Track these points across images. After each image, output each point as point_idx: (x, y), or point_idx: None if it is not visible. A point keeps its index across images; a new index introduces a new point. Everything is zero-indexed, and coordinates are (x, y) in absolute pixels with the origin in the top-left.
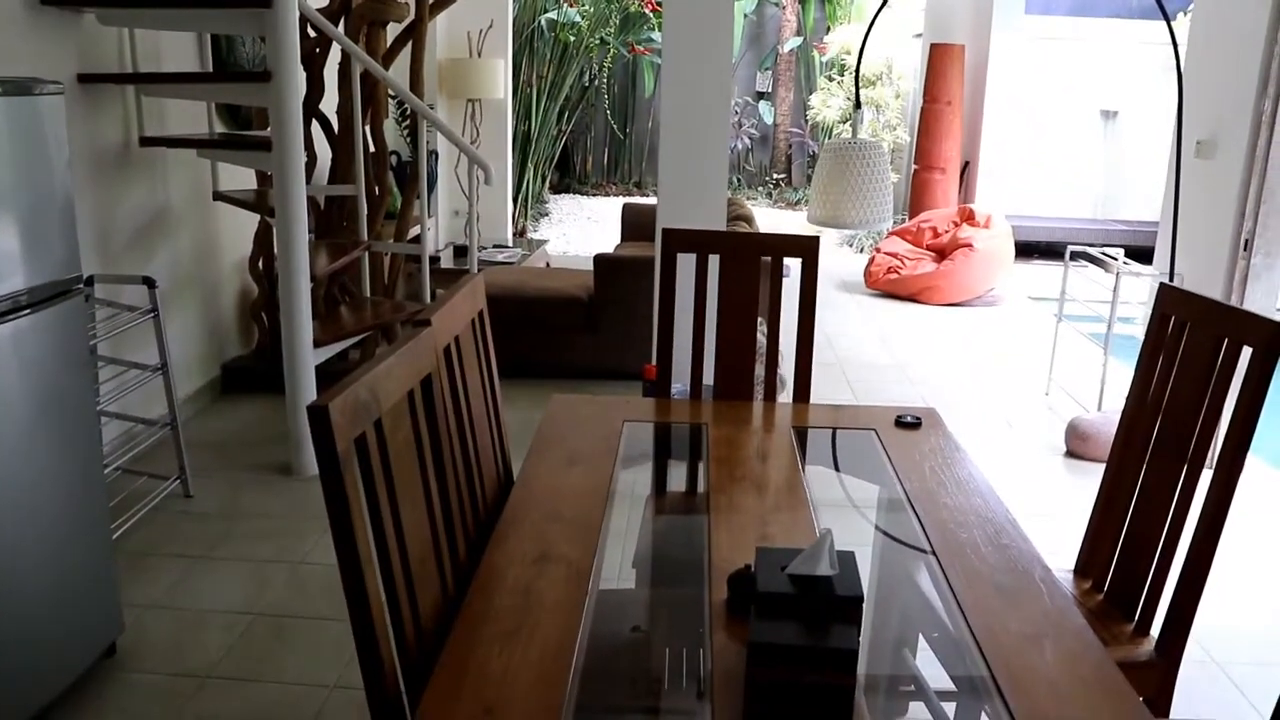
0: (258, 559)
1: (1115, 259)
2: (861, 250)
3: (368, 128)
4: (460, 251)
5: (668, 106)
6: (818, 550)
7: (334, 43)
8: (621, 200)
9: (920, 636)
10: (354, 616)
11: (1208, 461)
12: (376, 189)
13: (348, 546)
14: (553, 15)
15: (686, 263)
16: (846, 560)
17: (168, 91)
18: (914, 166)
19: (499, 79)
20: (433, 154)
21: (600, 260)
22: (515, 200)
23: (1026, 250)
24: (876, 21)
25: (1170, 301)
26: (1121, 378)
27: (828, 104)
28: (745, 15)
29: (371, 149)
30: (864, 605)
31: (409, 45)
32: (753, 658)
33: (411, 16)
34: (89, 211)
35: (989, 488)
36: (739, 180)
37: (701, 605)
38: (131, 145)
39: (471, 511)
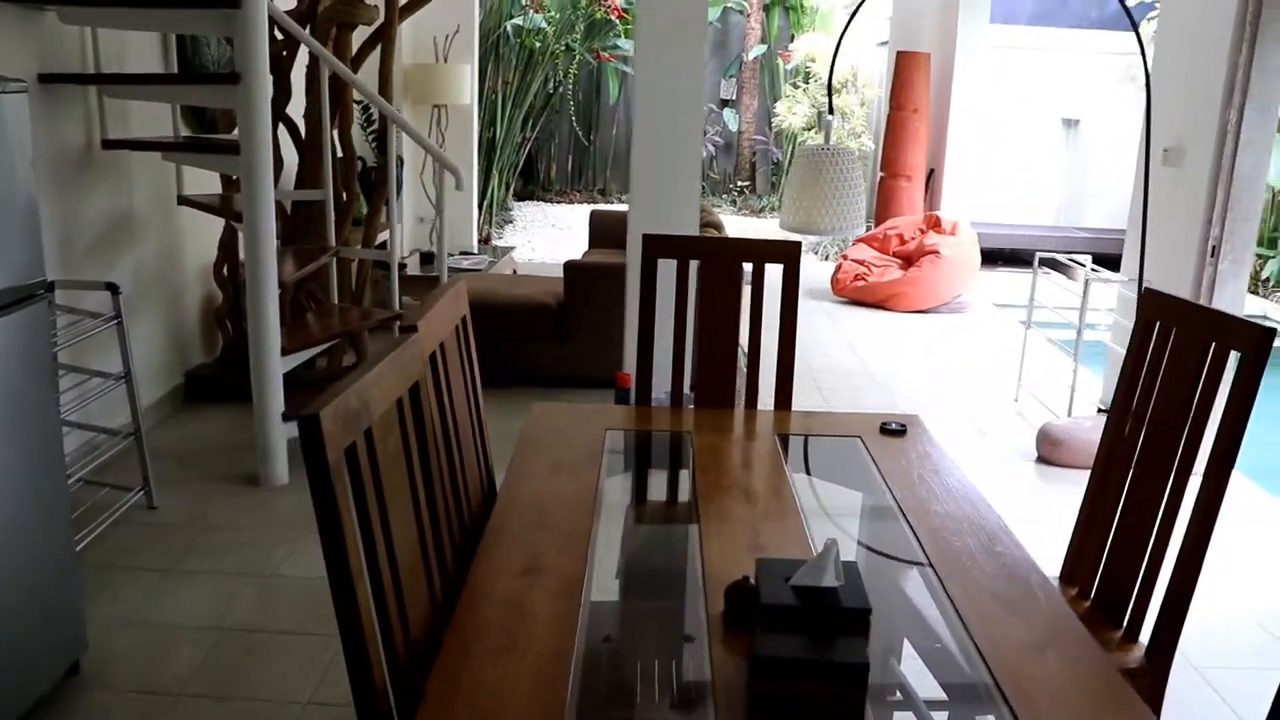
0: (225, 572)
1: (1083, 266)
2: (827, 258)
3: (335, 132)
4: (427, 258)
5: (640, 112)
6: (822, 561)
7: (301, 46)
8: (586, 208)
9: (908, 645)
10: (344, 630)
11: (1195, 468)
12: (344, 194)
13: (338, 559)
14: (519, 21)
15: (665, 269)
16: (851, 571)
17: (132, 93)
18: (880, 174)
19: (465, 85)
20: (398, 160)
21: (570, 267)
22: (480, 207)
23: (990, 258)
24: (848, 31)
25: (1154, 306)
26: (1089, 384)
27: (793, 110)
28: (710, 23)
29: (339, 154)
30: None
31: (376, 49)
32: (757, 671)
33: (381, 20)
34: (49, 216)
35: (979, 495)
36: (704, 188)
37: (697, 617)
38: (94, 147)
39: (458, 521)
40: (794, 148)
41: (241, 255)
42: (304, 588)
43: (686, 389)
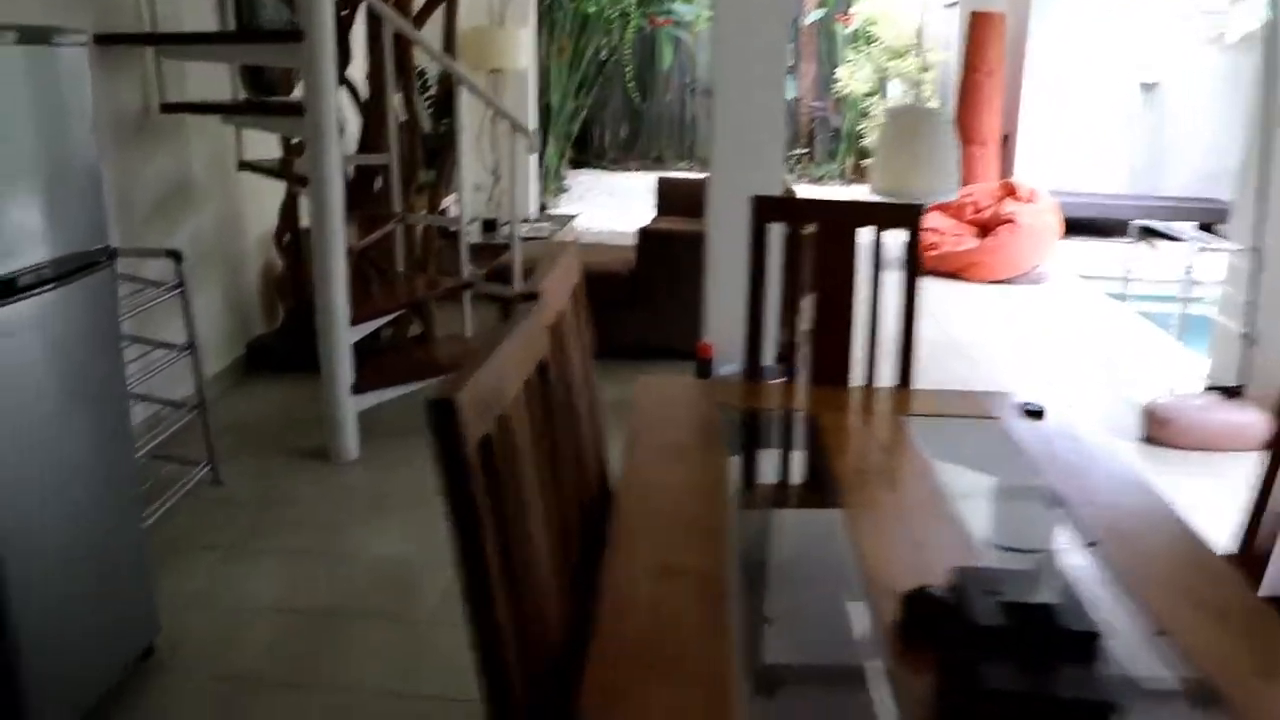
0: (296, 550)
1: (1186, 237)
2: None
3: (399, 95)
4: (488, 226)
5: (720, 71)
6: (1033, 573)
7: (361, 6)
8: (641, 175)
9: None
10: (480, 643)
11: None
12: (408, 160)
13: (476, 566)
14: None
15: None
16: (1067, 587)
17: (192, 54)
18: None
19: (523, 49)
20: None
21: (645, 234)
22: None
23: (1075, 227)
24: None
25: None
26: (1188, 361)
27: (855, 76)
28: None
29: (402, 118)
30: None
31: (437, 11)
32: (983, 707)
33: None
34: (108, 181)
35: (1145, 483)
36: None
37: (864, 629)
38: (152, 111)
39: (581, 512)
40: (855, 113)
41: (303, 222)
42: (378, 567)
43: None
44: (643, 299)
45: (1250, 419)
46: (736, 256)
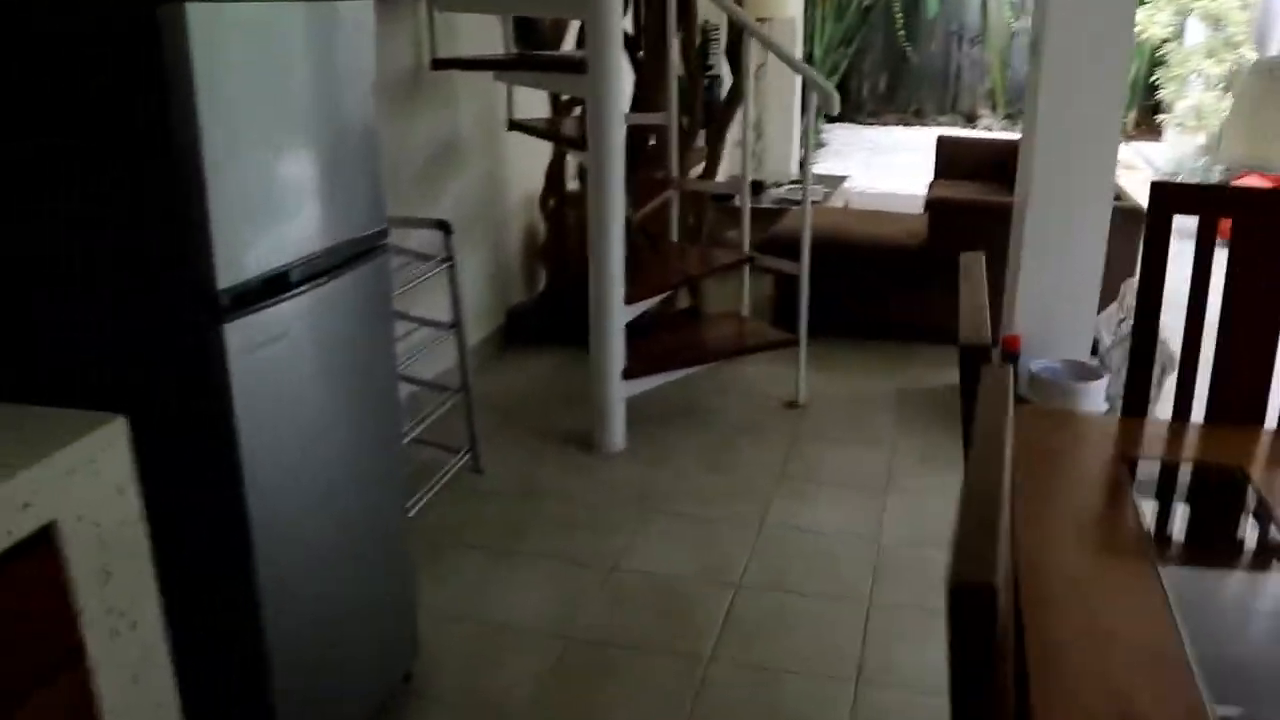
0: (565, 558)
1: None
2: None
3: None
4: (755, 188)
5: (1051, 13)
6: None
7: None
8: (900, 130)
9: None
10: None
11: None
12: (687, 120)
13: None
14: None
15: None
16: None
17: (466, 4)
18: None
19: None
20: (716, 78)
21: (938, 205)
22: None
23: None
24: None
25: None
26: None
27: (1154, 19)
28: None
29: (681, 73)
30: None
31: None
32: None
33: None
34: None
35: None
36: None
37: None
38: (422, 68)
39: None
40: (1142, 60)
41: (569, 185)
42: (651, 587)
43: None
44: (933, 277)
45: None
46: (1057, 237)
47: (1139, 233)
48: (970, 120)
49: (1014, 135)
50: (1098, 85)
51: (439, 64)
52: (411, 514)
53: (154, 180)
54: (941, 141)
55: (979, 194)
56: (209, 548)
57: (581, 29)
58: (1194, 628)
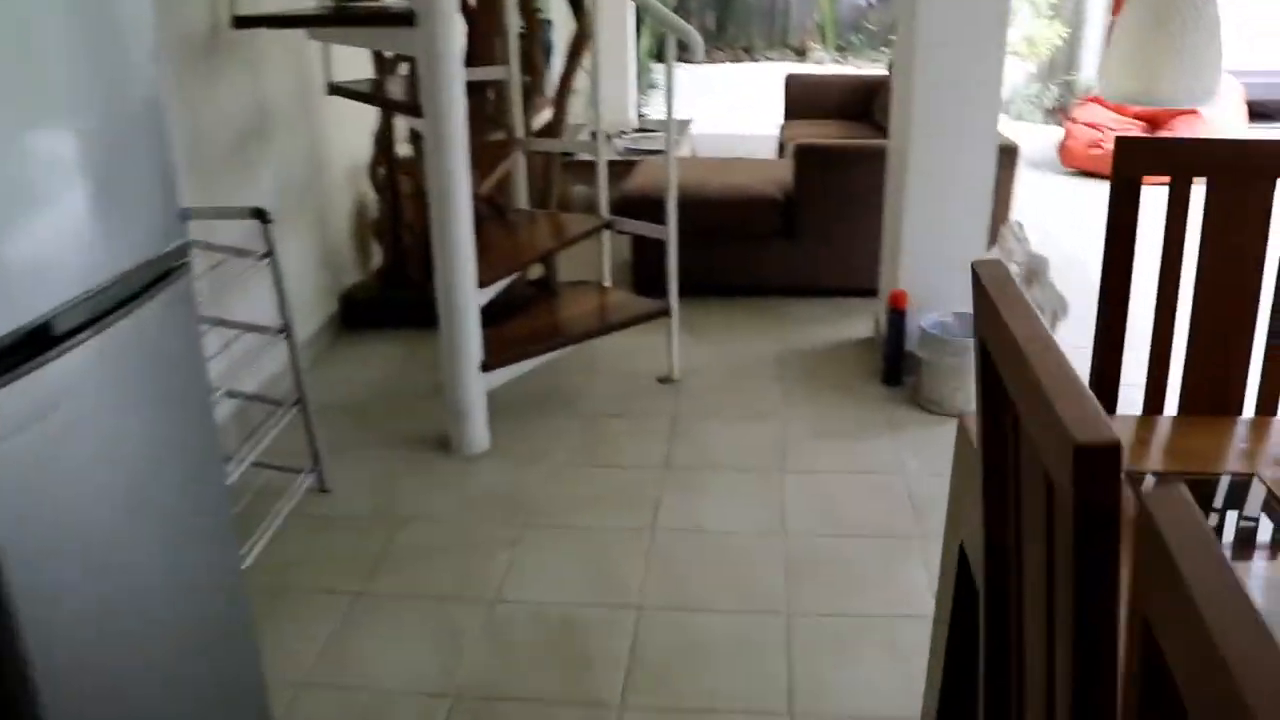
0: (436, 594)
1: None
2: (1020, 117)
3: None
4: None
5: None
6: None
7: None
8: (733, 67)
9: None
10: None
11: None
12: (526, 72)
13: None
14: None
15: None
16: None
17: None
18: (1111, 17)
19: None
20: (547, 22)
21: (804, 151)
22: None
23: (1264, 114)
24: None
25: None
26: None
27: None
28: None
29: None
30: None
31: None
32: None
33: None
34: (174, 119)
35: None
36: (857, 40)
37: None
38: (220, 28)
39: None
40: None
41: (398, 148)
42: (541, 621)
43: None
44: (802, 228)
45: None
46: (941, 180)
47: (1012, 170)
48: (800, 54)
49: (864, 70)
50: (978, 8)
51: (242, 22)
52: (248, 562)
53: None
54: (791, 80)
55: (839, 135)
56: None
57: None
58: None
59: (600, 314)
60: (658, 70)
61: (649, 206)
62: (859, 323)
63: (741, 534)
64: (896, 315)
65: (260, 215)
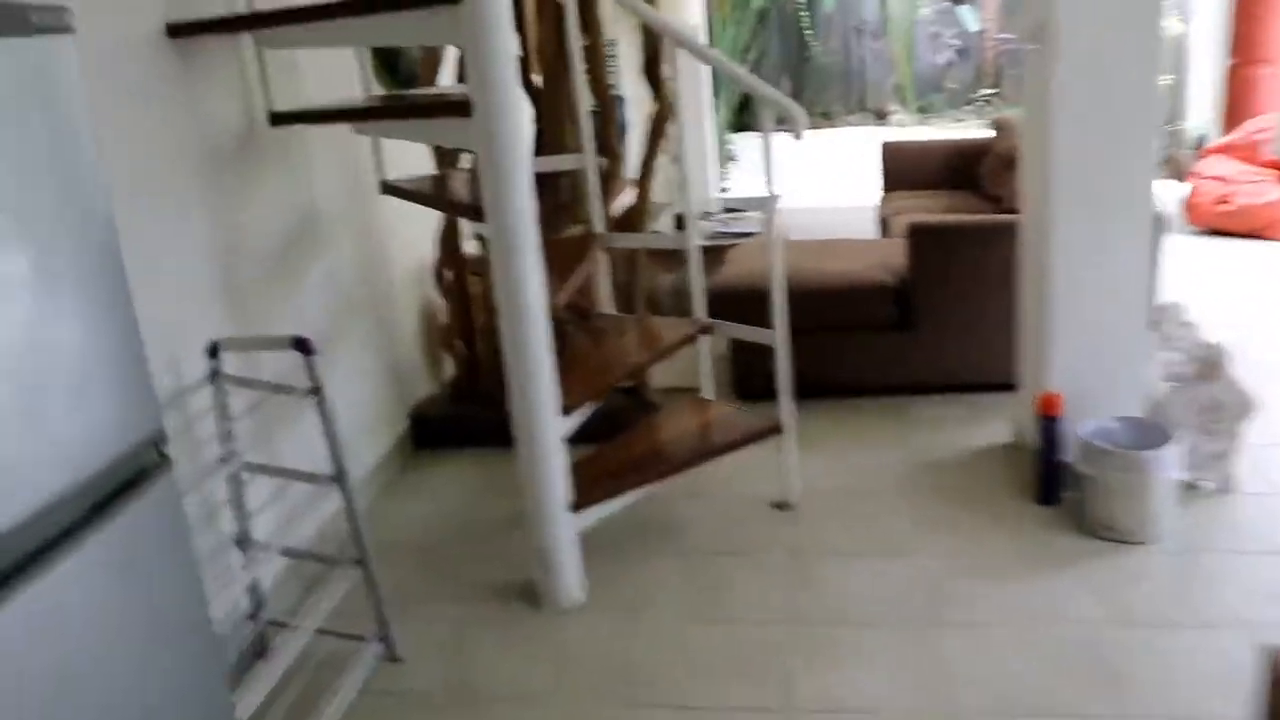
0: None
1: None
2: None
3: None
4: (679, 225)
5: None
6: None
7: None
8: (810, 134)
9: None
10: None
11: None
12: (604, 160)
13: None
14: None
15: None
16: None
17: (305, 37)
18: (1230, 61)
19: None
20: (618, 99)
21: (920, 231)
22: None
23: None
24: None
25: None
26: None
27: None
28: None
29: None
30: None
31: None
32: None
33: None
34: (205, 236)
35: None
36: (938, 100)
37: None
38: (256, 126)
39: None
40: None
41: (464, 246)
42: None
43: None
44: (919, 319)
45: None
46: (1092, 260)
47: (1159, 242)
48: (881, 117)
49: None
50: (1124, 54)
51: (279, 119)
52: None
53: None
54: (888, 148)
55: (946, 208)
56: None
57: (461, 59)
58: None
59: (703, 434)
60: (731, 141)
61: (747, 301)
62: (993, 425)
63: (896, 713)
64: (1049, 423)
65: (302, 346)
